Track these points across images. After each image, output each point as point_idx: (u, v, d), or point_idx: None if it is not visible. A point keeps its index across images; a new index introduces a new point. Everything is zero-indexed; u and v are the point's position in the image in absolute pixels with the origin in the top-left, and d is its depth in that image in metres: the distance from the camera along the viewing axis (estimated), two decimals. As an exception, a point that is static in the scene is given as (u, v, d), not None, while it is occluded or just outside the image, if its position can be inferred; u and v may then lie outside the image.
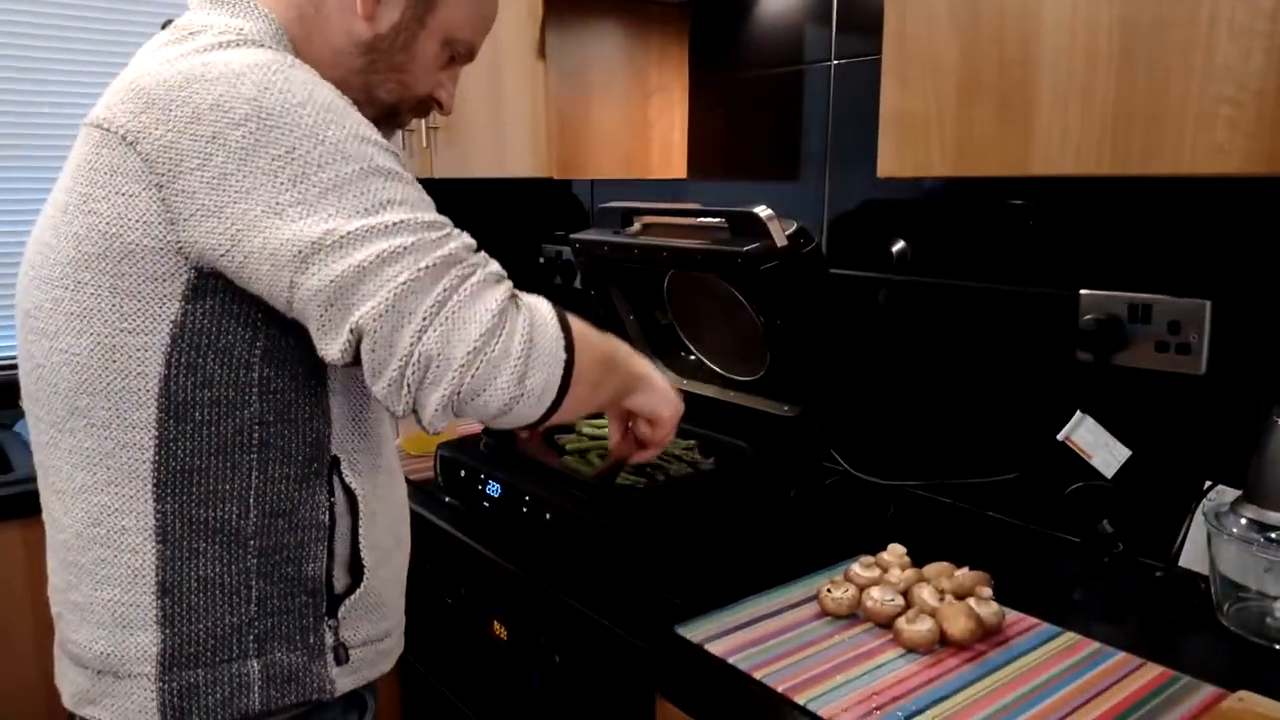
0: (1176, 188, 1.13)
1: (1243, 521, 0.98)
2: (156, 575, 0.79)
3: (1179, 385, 1.14)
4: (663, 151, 1.79)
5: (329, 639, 0.85)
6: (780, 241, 1.19)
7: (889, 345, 1.47)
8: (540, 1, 1.64)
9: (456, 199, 2.36)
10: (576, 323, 0.80)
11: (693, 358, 1.54)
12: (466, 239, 0.76)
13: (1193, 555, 1.12)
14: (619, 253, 1.39)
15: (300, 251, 0.70)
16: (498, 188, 2.29)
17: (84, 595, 0.81)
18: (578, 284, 2.13)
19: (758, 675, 0.89)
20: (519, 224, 2.28)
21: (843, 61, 1.50)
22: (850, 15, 1.47)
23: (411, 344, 0.71)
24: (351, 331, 0.71)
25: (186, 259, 0.73)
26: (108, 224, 0.74)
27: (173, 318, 0.75)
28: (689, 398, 1.53)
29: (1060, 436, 1.23)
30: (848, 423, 1.48)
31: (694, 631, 0.98)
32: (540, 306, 0.77)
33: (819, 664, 0.92)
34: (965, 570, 1.04)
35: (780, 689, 0.87)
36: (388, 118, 0.90)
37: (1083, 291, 1.21)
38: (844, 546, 1.18)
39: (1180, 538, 1.13)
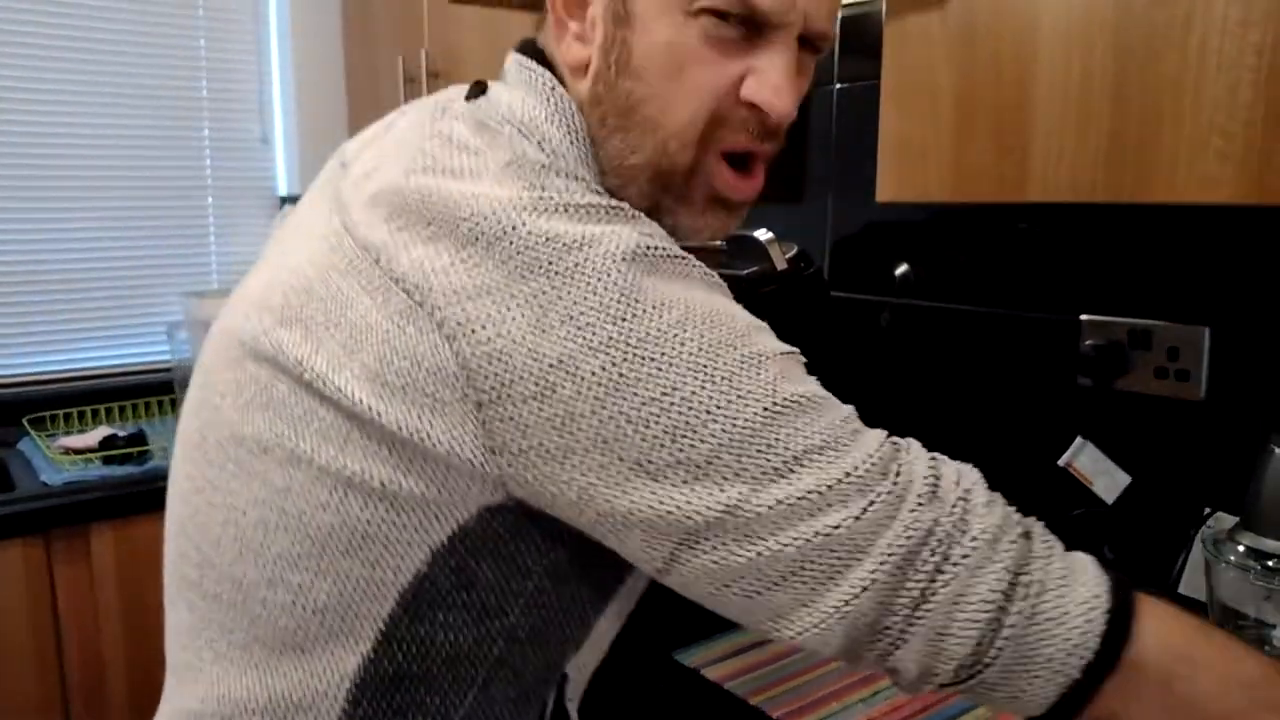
0: (1176, 215, 1.14)
1: (1240, 549, 0.98)
2: None
3: (1178, 411, 1.14)
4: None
5: None
6: (780, 265, 1.20)
7: (890, 369, 1.48)
8: None
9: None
10: (1174, 625, 0.53)
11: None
12: (919, 465, 0.55)
13: (1193, 582, 1.11)
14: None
15: (693, 528, 0.51)
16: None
17: None
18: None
19: (754, 701, 0.89)
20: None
21: (845, 85, 1.51)
22: (853, 40, 1.49)
23: (879, 659, 0.53)
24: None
25: (503, 487, 0.53)
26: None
27: (460, 522, 0.54)
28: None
29: (1061, 462, 1.23)
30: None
31: (693, 657, 0.98)
32: (1076, 587, 0.52)
33: (818, 689, 0.91)
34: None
35: (777, 715, 0.87)
36: (683, 190, 0.61)
37: (1084, 317, 1.21)
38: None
39: (1180, 564, 1.12)
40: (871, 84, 1.46)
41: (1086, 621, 0.50)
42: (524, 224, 0.51)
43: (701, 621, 1.03)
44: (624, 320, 0.50)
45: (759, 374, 0.52)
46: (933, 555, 0.50)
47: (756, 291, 1.20)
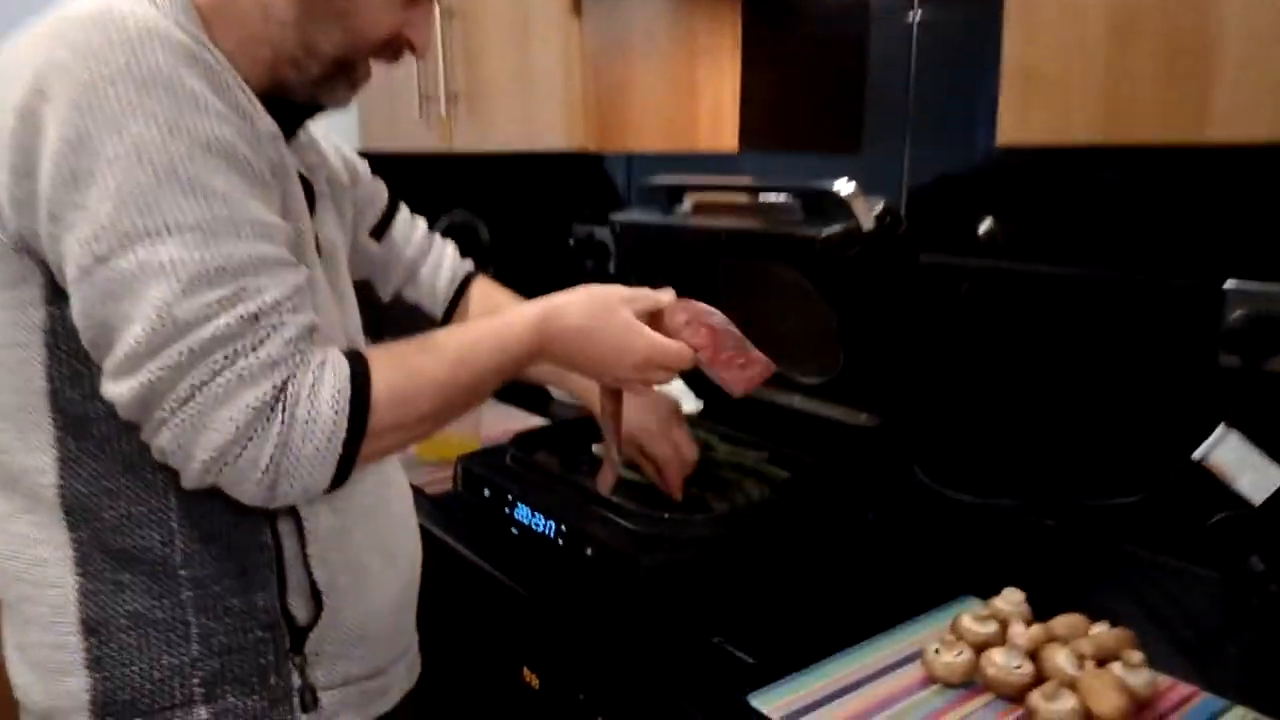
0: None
1: None
2: (79, 612, 0.72)
3: (1355, 398, 0.94)
4: (711, 120, 1.59)
5: (294, 680, 0.77)
6: (867, 224, 1.00)
7: (978, 342, 1.28)
8: (574, -52, 1.44)
9: (474, 172, 2.19)
10: (392, 369, 0.72)
11: (749, 355, 1.35)
12: (262, 299, 0.66)
13: (1372, 604, 0.92)
14: (668, 236, 1.20)
15: (78, 266, 0.64)
16: (522, 160, 2.10)
17: (16, 636, 0.76)
18: (611, 269, 1.94)
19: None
20: (547, 203, 2.09)
21: (926, 10, 1.29)
22: (936, -41, 1.27)
23: (153, 431, 0.66)
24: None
25: (30, 254, 0.67)
26: None
27: (41, 324, 0.69)
28: (748, 403, 1.35)
29: (1196, 456, 1.03)
30: (931, 430, 1.29)
31: (772, 703, 0.80)
32: (321, 395, 0.67)
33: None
34: (1104, 627, 0.86)
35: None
36: (338, 73, 0.77)
37: (1230, 284, 1.01)
38: (942, 585, 1.00)
39: (1356, 582, 0.94)
40: (957, 6, 1.25)
41: (335, 413, 0.67)
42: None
43: (781, 653, 0.85)
44: (66, 67, 0.63)
45: (170, 144, 0.63)
46: (216, 362, 0.64)
47: (837, 256, 1.00)
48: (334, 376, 0.68)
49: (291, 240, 0.73)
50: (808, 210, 1.04)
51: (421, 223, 1.10)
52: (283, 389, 0.65)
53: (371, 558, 0.82)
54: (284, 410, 0.65)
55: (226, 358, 0.64)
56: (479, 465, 1.16)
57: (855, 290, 1.05)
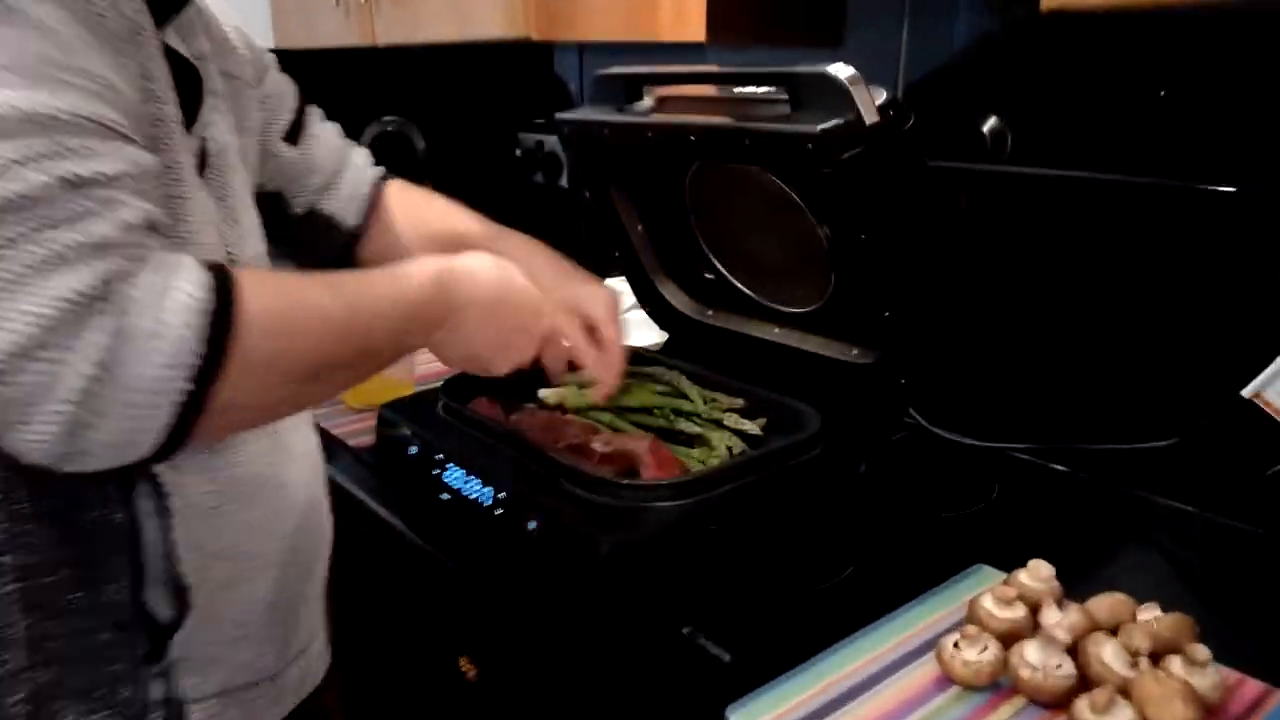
0: None
1: None
2: None
3: None
4: (675, 6, 1.37)
5: (153, 692, 0.63)
6: (869, 116, 0.80)
7: (984, 261, 1.11)
8: None
9: (406, 72, 1.94)
10: (269, 291, 0.54)
11: (723, 282, 1.17)
12: (91, 165, 0.48)
13: None
14: (626, 138, 1.00)
15: None
16: (460, 57, 1.86)
17: None
18: (564, 182, 1.73)
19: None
20: (489, 107, 1.86)
21: None
22: None
23: None
24: None
25: None
26: None
27: None
28: (717, 337, 1.17)
29: (1247, 392, 0.88)
30: (932, 366, 1.12)
31: (755, 717, 0.64)
32: (169, 303, 0.48)
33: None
34: (1154, 611, 0.71)
35: None
36: None
37: (1301, 188, 0.84)
38: (951, 553, 0.84)
39: None
40: None
41: (186, 329, 0.48)
42: None
43: (765, 650, 0.68)
44: None
45: None
46: (13, 229, 0.45)
47: (835, 158, 0.81)
48: (189, 282, 0.49)
49: (145, 123, 0.56)
50: (797, 103, 0.84)
51: (337, 127, 0.94)
52: (111, 284, 0.47)
53: (259, 542, 0.67)
54: (113, 313, 0.46)
55: (32, 227, 0.45)
56: (403, 416, 0.98)
57: (851, 201, 0.86)
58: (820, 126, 0.79)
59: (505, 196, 1.80)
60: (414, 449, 0.94)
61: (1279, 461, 0.87)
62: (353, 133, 1.84)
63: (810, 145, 0.80)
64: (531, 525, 0.78)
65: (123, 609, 0.61)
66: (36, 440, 0.46)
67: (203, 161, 0.66)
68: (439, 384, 1.02)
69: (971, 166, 1.11)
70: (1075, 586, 0.75)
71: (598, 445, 0.87)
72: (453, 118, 1.85)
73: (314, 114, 0.91)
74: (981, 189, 1.10)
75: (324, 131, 0.91)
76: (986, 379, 1.12)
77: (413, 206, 0.94)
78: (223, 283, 0.51)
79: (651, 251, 1.17)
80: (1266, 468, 0.89)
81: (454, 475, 0.88)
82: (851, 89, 0.80)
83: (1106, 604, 0.72)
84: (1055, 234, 1.04)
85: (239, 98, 0.75)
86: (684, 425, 0.95)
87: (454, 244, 0.85)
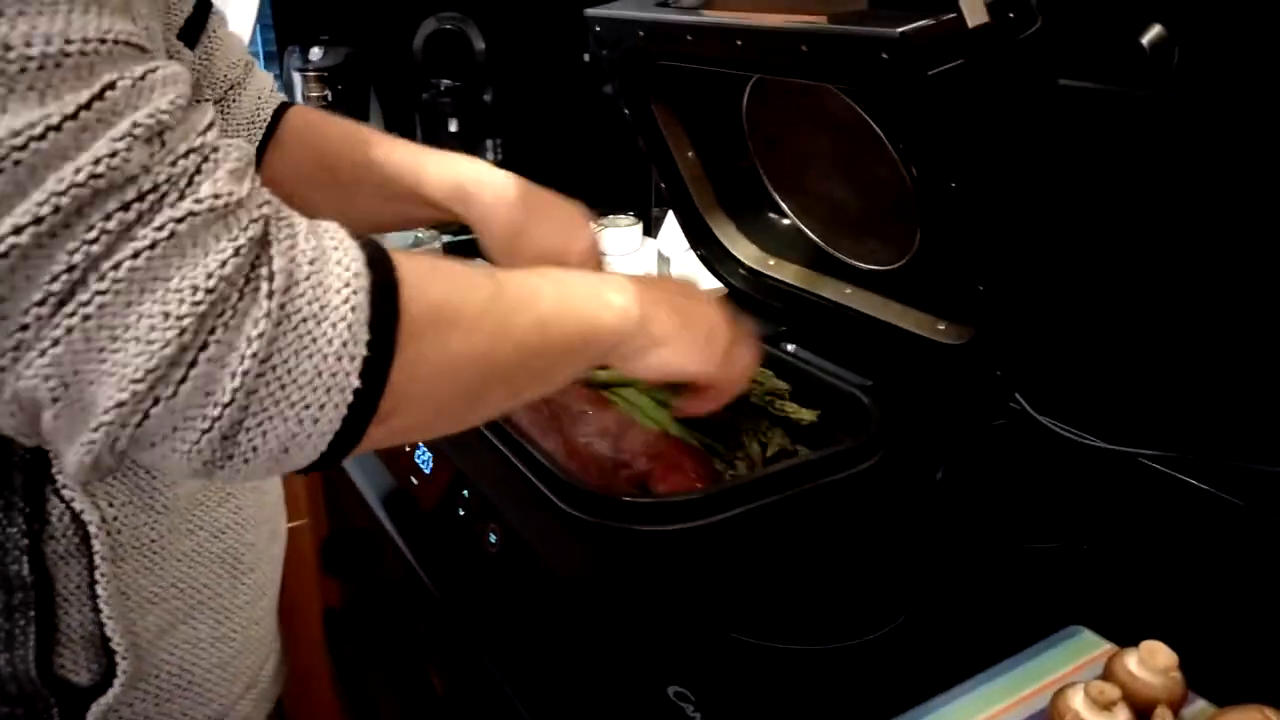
0: None
1: None
2: None
3: None
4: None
5: None
6: (975, 16, 0.58)
7: (1126, 217, 0.86)
8: None
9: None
10: (423, 268, 0.43)
11: (787, 223, 0.96)
12: (156, 105, 0.36)
13: None
14: (664, 42, 0.79)
15: None
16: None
17: None
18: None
19: None
20: (554, 2, 1.65)
21: None
22: None
23: (2, 374, 0.35)
24: None
25: None
26: None
27: None
28: (777, 292, 0.96)
29: None
30: (1039, 343, 0.89)
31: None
32: (326, 274, 0.39)
33: None
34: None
35: None
36: None
37: None
38: (1042, 605, 0.64)
39: None
40: None
41: (351, 309, 0.39)
42: None
43: None
44: None
45: None
46: (126, 210, 0.34)
47: (922, 73, 0.59)
48: (344, 253, 0.40)
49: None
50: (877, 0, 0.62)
51: (240, 38, 0.76)
52: (255, 256, 0.37)
53: (205, 570, 0.55)
54: (264, 293, 0.37)
55: (133, 204, 0.34)
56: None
57: (945, 134, 0.64)
58: (902, 29, 0.57)
59: (572, 108, 1.61)
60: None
61: None
62: (405, 31, 1.68)
63: (887, 55, 0.58)
64: (492, 538, 0.62)
65: (22, 682, 0.48)
66: (187, 451, 0.37)
67: None
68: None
69: (1123, 90, 0.85)
70: (1209, 679, 0.55)
71: (594, 441, 0.70)
72: (515, 15, 1.65)
73: (219, 15, 0.73)
74: (1135, 121, 0.84)
75: (229, 38, 0.74)
76: (1117, 364, 0.89)
77: (314, 129, 0.77)
78: (377, 256, 0.41)
79: (706, 184, 0.97)
80: None
81: (424, 458, 0.73)
82: (952, -23, 0.58)
83: (1244, 718, 0.51)
84: (1230, 185, 0.79)
85: None
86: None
87: (363, 171, 0.72)
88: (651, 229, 1.41)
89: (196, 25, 0.68)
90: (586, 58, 1.61)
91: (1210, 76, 0.80)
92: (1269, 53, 0.75)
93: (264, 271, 0.37)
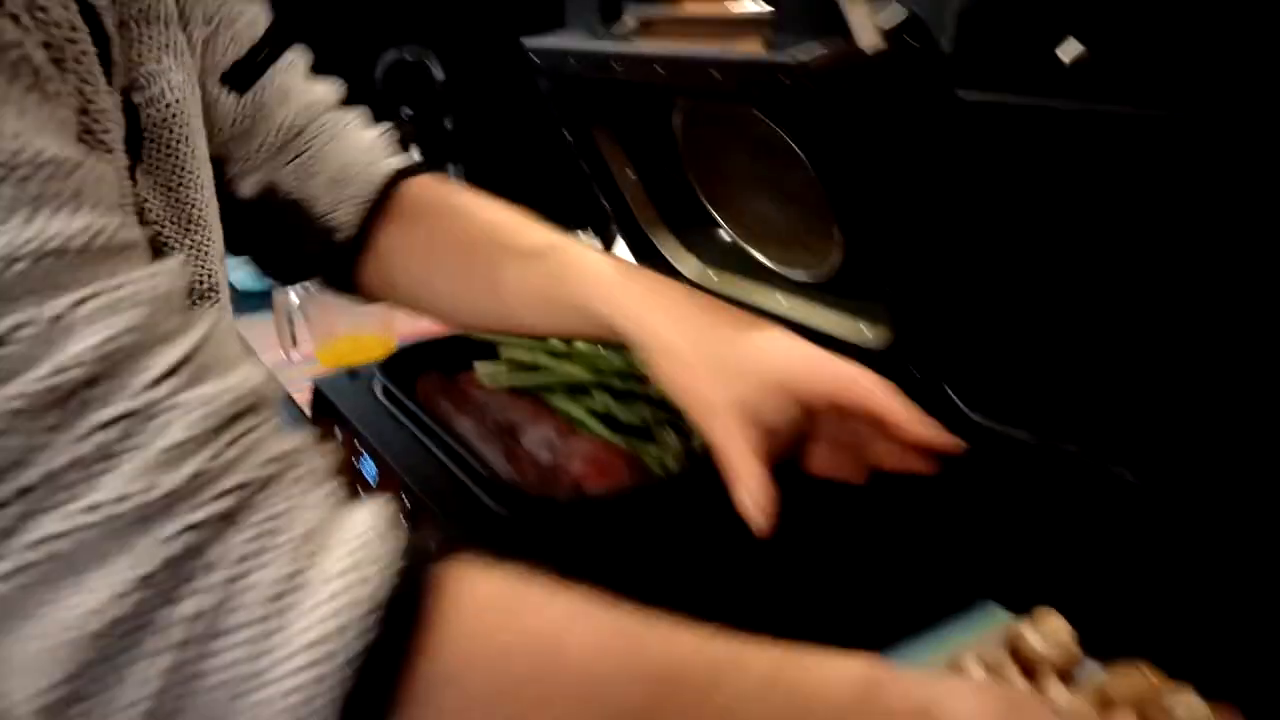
0: None
1: None
2: None
3: None
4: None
5: None
6: (869, 41, 0.63)
7: (1045, 219, 0.90)
8: None
9: None
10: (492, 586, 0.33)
11: (727, 238, 1.01)
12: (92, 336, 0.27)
13: None
14: (598, 69, 0.84)
15: None
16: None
17: None
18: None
19: None
20: (514, 32, 1.70)
21: None
22: None
23: None
24: None
25: None
26: None
27: None
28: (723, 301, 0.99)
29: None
30: (967, 338, 0.94)
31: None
32: (307, 598, 0.28)
33: None
34: (1190, 697, 0.54)
35: None
36: None
37: None
38: (954, 585, 0.68)
39: None
40: None
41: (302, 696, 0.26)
42: None
43: None
44: None
45: None
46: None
47: (828, 92, 0.64)
48: (342, 574, 0.29)
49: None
50: (785, 25, 0.67)
51: (325, 85, 0.68)
52: (175, 584, 0.28)
53: None
54: (182, 640, 0.27)
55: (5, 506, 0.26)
56: (336, 392, 0.86)
57: (849, 149, 0.69)
58: (799, 55, 0.62)
59: (530, 132, 1.65)
60: (340, 432, 0.82)
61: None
62: (365, 64, 1.71)
63: (788, 80, 0.63)
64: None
65: None
66: None
67: (134, 124, 0.43)
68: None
69: (1037, 102, 0.90)
70: (1102, 644, 0.59)
71: (535, 449, 0.74)
72: (474, 45, 1.70)
73: (290, 54, 0.62)
74: (1059, 128, 0.89)
75: (300, 78, 0.65)
76: (1041, 361, 0.93)
77: (442, 215, 0.65)
78: (416, 567, 0.30)
79: (648, 202, 1.01)
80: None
81: (369, 470, 0.76)
82: (847, 7, 0.62)
83: (1129, 682, 0.56)
84: (1143, 187, 0.84)
85: (167, 21, 0.48)
86: (637, 411, 0.80)
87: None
88: (610, 245, 1.45)
89: (254, 60, 0.59)
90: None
91: (1128, 85, 0.85)
92: (1185, 62, 0.80)
93: (172, 614, 0.26)
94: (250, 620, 0.27)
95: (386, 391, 0.84)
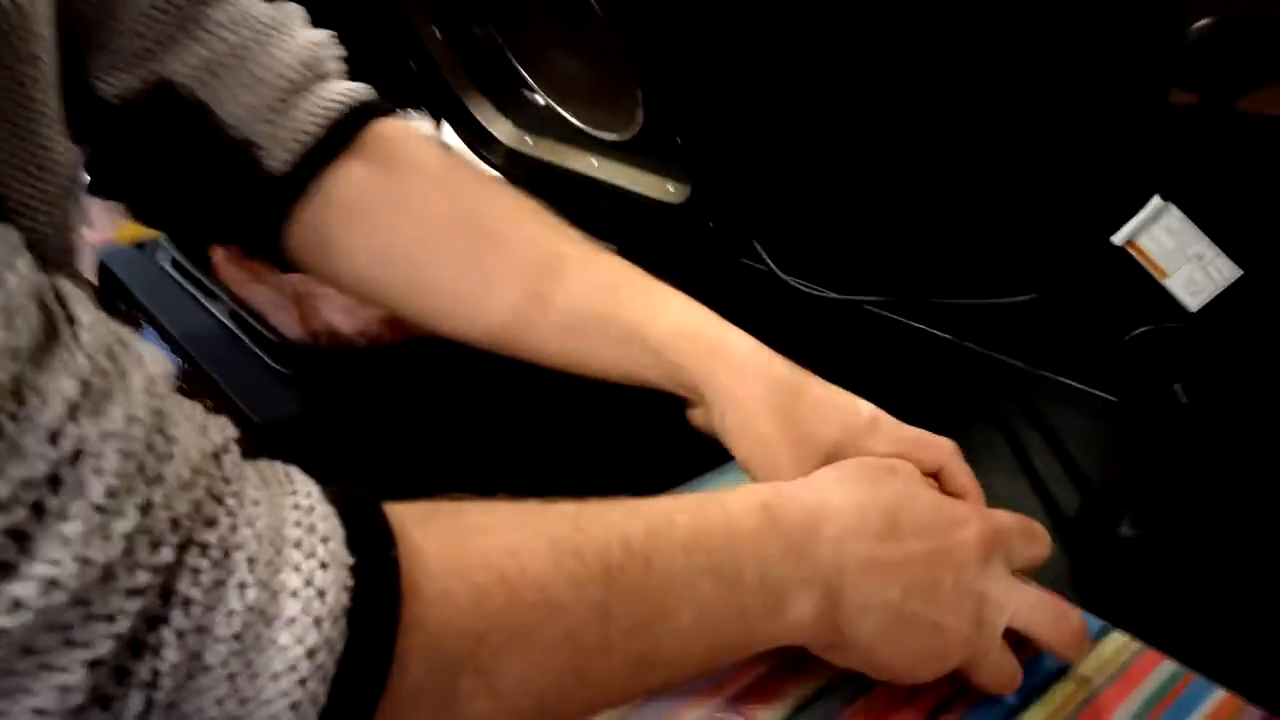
0: None
1: None
2: None
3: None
4: None
5: None
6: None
7: (834, 77, 0.92)
8: None
9: None
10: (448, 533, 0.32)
11: (541, 100, 0.98)
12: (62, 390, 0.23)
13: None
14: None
15: None
16: None
17: None
18: None
19: None
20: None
21: None
22: None
23: None
24: None
25: None
26: None
27: None
28: (537, 171, 0.98)
29: (1118, 239, 0.72)
30: (776, 202, 0.96)
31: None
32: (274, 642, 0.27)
33: None
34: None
35: None
36: None
37: (1199, -24, 0.66)
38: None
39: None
40: None
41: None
42: None
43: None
44: None
45: None
46: None
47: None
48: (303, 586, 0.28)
49: None
50: None
51: None
52: (124, 663, 0.25)
53: None
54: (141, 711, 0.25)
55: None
56: (124, 267, 0.82)
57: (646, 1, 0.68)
58: None
59: (358, 10, 1.56)
60: (124, 305, 0.79)
61: (1142, 322, 0.73)
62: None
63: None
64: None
65: None
66: None
67: None
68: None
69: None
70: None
71: (334, 316, 0.72)
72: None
73: None
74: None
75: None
76: (839, 222, 0.96)
77: (446, 182, 0.53)
78: (378, 555, 0.29)
79: (457, 64, 0.98)
80: (1131, 328, 0.75)
81: (152, 337, 0.73)
82: None
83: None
84: (922, 39, 0.85)
85: None
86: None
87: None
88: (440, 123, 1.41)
89: None
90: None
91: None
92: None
93: (139, 675, 0.24)
94: (233, 652, 0.26)
95: (175, 263, 0.81)
